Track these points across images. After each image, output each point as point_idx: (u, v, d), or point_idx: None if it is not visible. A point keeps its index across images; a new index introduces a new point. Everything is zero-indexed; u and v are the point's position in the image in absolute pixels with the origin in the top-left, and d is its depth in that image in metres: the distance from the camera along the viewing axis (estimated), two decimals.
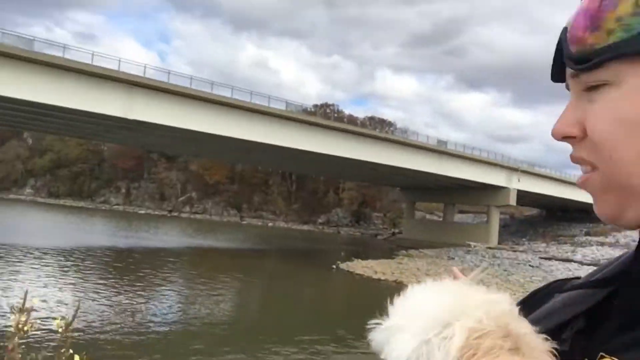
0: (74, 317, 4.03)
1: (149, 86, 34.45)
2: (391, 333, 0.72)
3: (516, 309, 0.74)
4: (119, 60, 34.57)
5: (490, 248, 52.22)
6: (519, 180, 60.53)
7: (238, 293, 24.16)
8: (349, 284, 30.39)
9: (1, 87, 29.14)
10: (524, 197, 65.38)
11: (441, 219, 71.88)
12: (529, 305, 0.89)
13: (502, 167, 59.34)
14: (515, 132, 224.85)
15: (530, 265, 41.24)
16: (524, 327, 0.69)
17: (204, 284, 24.25)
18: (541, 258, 45.55)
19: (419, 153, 50.69)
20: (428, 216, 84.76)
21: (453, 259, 44.79)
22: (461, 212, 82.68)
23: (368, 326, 0.73)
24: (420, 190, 67.59)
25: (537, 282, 32.72)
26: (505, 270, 37.79)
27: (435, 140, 56.55)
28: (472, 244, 53.62)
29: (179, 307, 18.98)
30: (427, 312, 0.70)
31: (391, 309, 0.75)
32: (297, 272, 33.62)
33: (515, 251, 51.34)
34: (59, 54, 32.20)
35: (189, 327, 15.81)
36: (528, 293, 0.98)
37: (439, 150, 53.06)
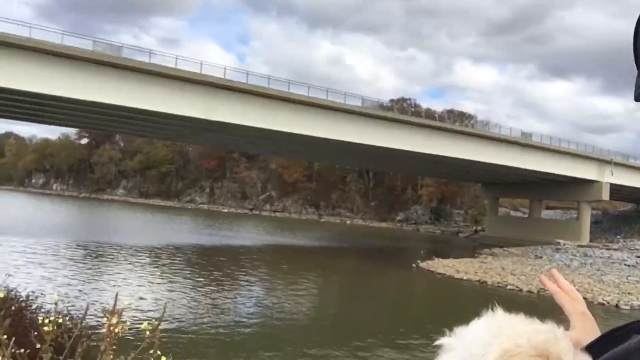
0: (161, 319, 4.08)
1: (229, 87, 35.38)
2: (442, 351, 0.82)
3: (566, 342, 0.76)
4: (201, 63, 35.79)
5: (581, 246, 49.32)
6: (612, 174, 56.70)
7: (318, 291, 24.27)
8: (429, 284, 29.73)
9: (93, 93, 31.01)
10: (618, 191, 61.17)
11: (527, 216, 68.80)
12: (606, 342, 0.85)
13: (592, 159, 55.85)
14: (606, 122, 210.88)
15: (626, 265, 38.53)
16: (569, 356, 0.73)
17: (285, 282, 24.59)
18: (638, 257, 42.43)
19: (501, 146, 48.72)
20: (513, 213, 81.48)
21: (541, 257, 42.73)
22: (549, 208, 78.80)
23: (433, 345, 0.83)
24: (504, 185, 65.00)
25: (634, 282, 30.49)
26: (598, 270, 35.53)
27: (519, 132, 54.11)
28: (561, 241, 50.84)
29: (261, 304, 19.31)
30: (475, 334, 0.80)
31: (453, 334, 0.83)
32: (376, 270, 33.34)
33: (609, 249, 48.17)
34: (145, 59, 33.80)
35: (271, 325, 16.02)
36: (607, 330, 0.92)
37: (523, 143, 50.72)
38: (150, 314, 14.99)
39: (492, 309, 0.83)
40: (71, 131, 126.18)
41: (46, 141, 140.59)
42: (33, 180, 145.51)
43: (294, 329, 15.77)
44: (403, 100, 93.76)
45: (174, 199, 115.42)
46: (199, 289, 20.69)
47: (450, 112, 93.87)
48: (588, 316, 1.03)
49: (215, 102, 34.75)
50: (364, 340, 14.43)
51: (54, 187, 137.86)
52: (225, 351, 12.48)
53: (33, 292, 5.10)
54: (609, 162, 56.70)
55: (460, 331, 0.84)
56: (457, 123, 71.84)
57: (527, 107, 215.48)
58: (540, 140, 53.63)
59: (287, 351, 12.81)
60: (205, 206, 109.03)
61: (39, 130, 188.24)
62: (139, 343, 3.92)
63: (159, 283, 21.43)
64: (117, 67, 31.45)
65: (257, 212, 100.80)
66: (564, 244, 49.59)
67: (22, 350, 3.64)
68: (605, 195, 56.71)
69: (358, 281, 28.43)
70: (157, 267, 26.07)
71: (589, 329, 1.00)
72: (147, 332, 3.78)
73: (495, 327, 0.80)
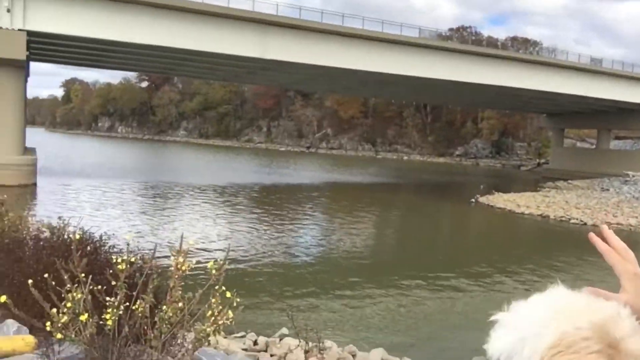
0: (226, 259, 4.25)
1: (282, 24, 34.87)
2: (496, 327, 0.79)
3: (630, 322, 0.72)
4: (253, 0, 35.31)
5: None
6: None
7: (376, 228, 24.52)
8: (489, 218, 29.36)
9: (149, 37, 31.43)
10: None
11: (594, 147, 65.72)
12: None
13: None
14: None
15: None
16: (630, 339, 0.70)
17: (343, 218, 24.94)
18: None
19: (569, 74, 46.05)
20: (579, 144, 78.02)
21: (607, 190, 41.12)
22: (617, 138, 74.77)
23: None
24: (570, 115, 61.92)
25: None
26: None
27: (588, 58, 50.83)
28: (631, 173, 48.47)
29: (320, 241, 19.76)
30: (532, 312, 0.76)
31: (509, 309, 0.80)
32: (434, 206, 33.19)
33: None
34: None
35: (330, 261, 16.43)
36: None
37: (593, 70, 47.74)
38: (214, 252, 15.67)
39: (555, 284, 0.81)
40: (131, 75, 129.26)
41: (109, 86, 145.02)
42: (99, 124, 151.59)
43: (353, 265, 16.12)
44: (463, 28, 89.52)
45: (233, 139, 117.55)
46: (259, 226, 21.34)
47: (514, 39, 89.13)
48: None
49: (269, 40, 34.42)
50: (420, 274, 14.59)
51: (119, 130, 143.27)
52: (285, 286, 12.95)
53: (106, 232, 5.40)
54: None
55: (517, 306, 0.80)
56: (520, 51, 68.22)
57: (597, 30, 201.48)
58: (612, 66, 50.30)
59: (345, 285, 13.15)
60: (263, 145, 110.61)
61: (101, 76, 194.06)
62: (204, 280, 4.11)
63: (222, 221, 22.24)
64: (171, 9, 31.56)
65: (313, 150, 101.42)
66: (633, 176, 47.28)
67: (99, 286, 3.90)
68: None
69: (416, 217, 28.45)
70: (220, 206, 26.99)
71: None
72: (213, 271, 3.95)
73: (554, 305, 0.76)
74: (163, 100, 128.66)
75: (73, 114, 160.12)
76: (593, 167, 52.97)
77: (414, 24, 52.18)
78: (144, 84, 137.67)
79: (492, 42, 69.51)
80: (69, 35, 30.35)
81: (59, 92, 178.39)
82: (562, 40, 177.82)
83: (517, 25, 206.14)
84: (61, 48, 36.54)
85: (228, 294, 4.02)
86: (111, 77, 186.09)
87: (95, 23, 29.76)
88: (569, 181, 47.48)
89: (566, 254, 17.75)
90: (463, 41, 55.66)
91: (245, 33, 33.75)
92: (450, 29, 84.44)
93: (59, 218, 5.28)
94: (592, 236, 0.99)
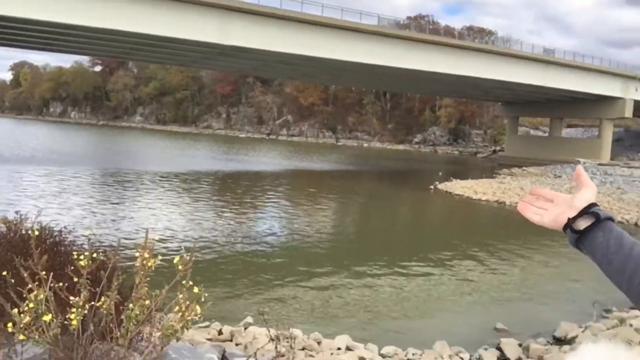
0: (192, 254, 4.18)
1: (243, 10, 34.34)
2: None
3: None
4: None
5: (601, 164, 48.89)
6: (636, 90, 55.11)
7: (338, 215, 24.67)
8: (447, 205, 29.99)
9: (105, 20, 30.42)
10: None
11: (547, 135, 67.87)
12: None
13: (616, 75, 54.09)
14: (631, 35, 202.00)
15: None
16: None
17: (305, 206, 24.99)
18: None
19: (523, 64, 47.24)
20: (532, 132, 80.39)
21: (560, 177, 42.60)
22: (569, 126, 77.43)
23: None
24: (525, 104, 63.69)
25: None
26: (618, 189, 35.40)
27: (541, 49, 52.26)
28: (582, 160, 50.30)
29: (282, 229, 19.75)
30: None
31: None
32: (394, 193, 33.64)
33: (630, 167, 47.69)
34: None
35: (293, 249, 16.46)
36: None
37: (546, 60, 49.10)
38: (178, 243, 15.47)
39: (610, 339, 0.81)
40: (84, 59, 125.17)
41: (60, 69, 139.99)
42: (51, 109, 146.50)
43: (315, 253, 16.20)
44: (420, 17, 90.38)
45: (191, 125, 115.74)
46: (222, 215, 21.16)
47: (470, 28, 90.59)
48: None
49: (229, 25, 33.89)
50: (383, 260, 14.81)
51: (71, 116, 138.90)
52: (248, 275, 12.92)
53: (66, 226, 5.23)
54: (633, 78, 55.00)
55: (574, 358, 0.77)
56: (476, 40, 69.49)
57: (550, 21, 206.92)
58: (564, 56, 51.87)
59: (308, 273, 13.22)
60: (222, 131, 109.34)
61: (52, 59, 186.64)
62: (170, 274, 4.05)
63: (184, 210, 21.93)
64: None
65: (274, 137, 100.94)
66: (584, 163, 49.12)
67: (61, 284, 3.78)
68: (629, 112, 55.46)
69: (377, 204, 28.77)
70: (181, 194, 26.60)
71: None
72: (180, 267, 3.89)
73: None
74: (118, 85, 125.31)
75: (22, 98, 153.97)
76: (546, 155, 54.76)
77: (373, 12, 52.22)
78: (97, 68, 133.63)
79: (449, 32, 70.39)
80: (14, 17, 28.99)
81: (7, 76, 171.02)
82: (516, 30, 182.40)
83: (472, 15, 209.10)
84: (9, 31, 34.96)
85: (196, 289, 3.98)
86: (62, 60, 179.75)
87: (46, 5, 28.54)
88: (524, 168, 48.91)
89: (522, 239, 18.33)
90: (421, 30, 56.09)
91: (205, 18, 33.11)
92: (409, 18, 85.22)
93: (16, 212, 5.08)
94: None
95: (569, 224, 1.22)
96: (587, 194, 1.24)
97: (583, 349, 0.78)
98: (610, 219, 1.20)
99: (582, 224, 1.20)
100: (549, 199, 1.29)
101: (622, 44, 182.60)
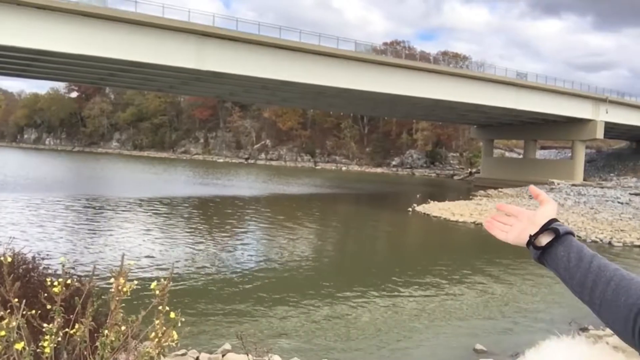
0: (170, 279, 4.15)
1: (220, 35, 34.58)
2: None
3: None
4: (189, 11, 34.80)
5: (575, 185, 49.87)
6: (607, 112, 56.63)
7: (317, 238, 24.61)
8: (426, 227, 30.17)
9: (81, 46, 30.28)
10: (613, 130, 61.40)
11: (521, 156, 69.13)
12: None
13: (587, 98, 55.59)
14: (598, 59, 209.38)
15: (619, 202, 39.11)
16: None
17: (284, 230, 24.88)
18: (631, 194, 43.03)
19: (496, 87, 48.33)
20: (507, 154, 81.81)
21: None
22: (543, 148, 79.06)
23: None
24: (499, 126, 64.92)
25: (627, 220, 31.03)
26: (592, 208, 36.07)
27: (514, 73, 53.54)
28: (556, 181, 51.34)
29: (260, 253, 19.62)
30: None
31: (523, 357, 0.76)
32: (373, 215, 33.74)
33: (602, 187, 48.78)
34: (130, 8, 32.83)
35: (271, 273, 16.33)
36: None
37: (519, 84, 50.31)
38: (155, 269, 15.25)
39: (573, 335, 0.78)
40: (60, 85, 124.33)
41: (36, 96, 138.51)
42: (25, 136, 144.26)
43: (293, 278, 16.10)
44: (397, 42, 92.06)
45: (169, 150, 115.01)
46: (200, 241, 20.95)
47: (445, 53, 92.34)
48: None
49: (206, 51, 34.06)
50: (362, 282, 14.78)
51: (46, 142, 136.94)
52: (229, 301, 12.77)
53: (39, 253, 5.15)
54: (604, 101, 56.52)
55: (534, 355, 0.76)
56: (451, 65, 70.80)
57: (519, 46, 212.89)
58: (536, 80, 53.17)
59: (289, 297, 13.12)
60: (200, 156, 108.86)
61: (27, 85, 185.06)
62: (147, 299, 4.00)
63: (160, 236, 21.65)
64: (104, 18, 30.60)
65: (252, 161, 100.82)
66: (558, 184, 50.09)
67: (33, 311, 3.71)
68: (600, 133, 56.87)
69: (355, 226, 28.81)
70: (157, 220, 26.28)
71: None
72: (157, 292, 3.85)
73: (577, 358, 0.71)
74: (94, 111, 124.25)
75: None
76: (521, 176, 55.65)
77: (350, 38, 53.07)
78: (74, 94, 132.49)
79: (424, 57, 71.73)
80: None
81: None
82: (488, 55, 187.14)
83: (445, 41, 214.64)
84: None
85: (172, 315, 3.94)
86: (38, 87, 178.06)
87: (21, 31, 28.35)
88: (499, 189, 49.61)
89: (499, 260, 18.49)
90: (397, 55, 57.09)
91: (182, 44, 33.23)
92: (385, 43, 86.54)
93: None
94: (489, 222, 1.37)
95: (531, 241, 1.26)
96: (547, 210, 1.28)
97: (544, 346, 0.76)
98: (570, 233, 1.24)
99: (544, 240, 1.24)
100: (513, 215, 1.33)
101: (589, 68, 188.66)
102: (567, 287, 1.20)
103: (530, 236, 1.26)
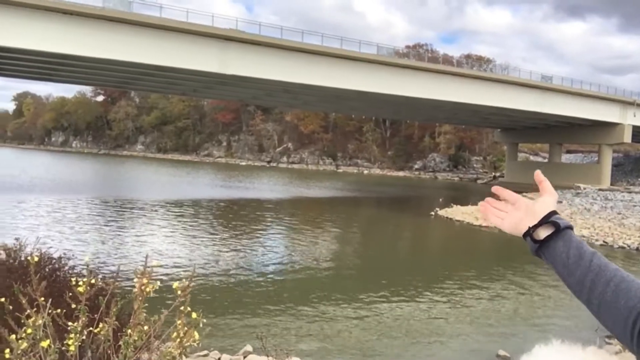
0: (191, 279, 4.19)
1: (243, 40, 34.88)
2: None
3: None
4: (212, 16, 35.20)
5: (601, 190, 48.89)
6: (634, 115, 55.50)
7: (339, 242, 24.57)
8: (448, 231, 29.89)
9: (106, 50, 30.86)
10: None
11: (547, 160, 68.08)
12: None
13: (614, 101, 54.56)
14: (624, 62, 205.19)
15: None
16: None
17: (306, 233, 24.92)
18: None
19: (521, 91, 47.72)
20: (532, 157, 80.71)
21: (561, 202, 42.48)
22: (569, 152, 77.84)
23: None
24: (523, 130, 64.09)
25: None
26: (619, 214, 35.29)
27: (539, 76, 52.80)
28: (582, 185, 50.41)
29: (282, 255, 19.66)
30: None
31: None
32: (395, 219, 33.56)
33: (630, 192, 47.68)
34: (155, 14, 33.35)
35: (293, 275, 16.36)
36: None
37: (544, 87, 49.61)
38: (178, 269, 15.41)
39: (554, 342, 0.75)
40: (87, 89, 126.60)
41: (63, 99, 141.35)
42: (53, 139, 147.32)
43: (316, 280, 16.09)
44: (419, 46, 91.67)
45: (192, 154, 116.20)
46: (223, 243, 21.10)
47: (468, 57, 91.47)
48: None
49: (229, 55, 34.37)
50: (384, 286, 14.70)
51: (73, 145, 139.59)
52: (248, 302, 12.82)
53: (65, 253, 5.24)
54: (631, 104, 55.43)
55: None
56: (475, 68, 70.22)
57: (543, 49, 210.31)
58: (561, 83, 52.40)
59: (310, 299, 13.12)
60: (223, 159, 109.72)
61: (55, 89, 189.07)
62: (169, 300, 4.05)
63: (184, 238, 21.87)
64: (129, 23, 31.14)
65: (274, 165, 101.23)
66: (585, 188, 49.18)
67: (59, 310, 3.78)
68: (628, 137, 55.75)
69: (377, 231, 28.69)
70: (180, 222, 26.55)
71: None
72: (179, 292, 3.89)
73: None
74: (119, 115, 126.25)
75: (25, 128, 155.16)
76: None
77: (371, 41, 53.00)
78: (100, 98, 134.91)
79: (448, 60, 71.25)
80: (19, 48, 29.46)
81: (10, 106, 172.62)
82: (510, 58, 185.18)
83: (467, 44, 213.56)
84: (12, 61, 35.48)
85: (194, 315, 3.97)
86: (65, 90, 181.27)
87: (48, 36, 29.03)
88: (524, 194, 47.92)
89: (524, 265, 18.23)
90: (419, 58, 56.80)
91: (205, 48, 33.60)
92: (407, 46, 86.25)
93: (16, 239, 5.10)
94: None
95: (529, 233, 1.22)
96: (547, 201, 1.24)
97: (537, 352, 0.75)
98: (570, 227, 1.20)
99: (543, 233, 1.20)
100: (510, 202, 1.30)
101: (615, 71, 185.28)
102: (564, 284, 1.16)
103: (529, 228, 1.22)
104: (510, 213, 1.28)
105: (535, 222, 1.21)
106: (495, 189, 1.34)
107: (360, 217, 34.42)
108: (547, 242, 1.19)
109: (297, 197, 45.49)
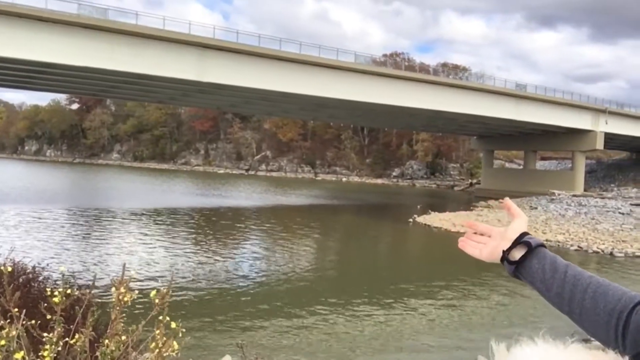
0: (170, 287, 4.14)
1: (220, 47, 34.74)
2: None
3: None
4: (189, 24, 34.97)
5: (575, 196, 49.81)
6: (606, 123, 56.73)
7: (318, 249, 24.56)
8: (427, 238, 30.10)
9: (83, 58, 30.43)
10: (612, 140, 61.42)
11: (522, 167, 69.14)
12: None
13: (587, 109, 55.71)
14: (595, 70, 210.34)
15: (620, 213, 39.03)
16: None
17: (285, 241, 24.84)
18: (632, 205, 42.95)
19: (496, 99, 48.43)
20: (507, 165, 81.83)
21: (536, 208, 43.18)
22: (543, 158, 79.16)
23: None
24: (499, 137, 65.01)
25: (628, 230, 30.97)
26: (592, 219, 36.00)
27: (514, 84, 53.66)
28: (556, 192, 51.28)
29: (262, 263, 19.56)
30: None
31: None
32: (374, 227, 33.68)
33: (603, 198, 48.69)
34: (131, 21, 33.01)
35: (271, 285, 16.28)
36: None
37: (519, 95, 50.44)
38: (156, 279, 15.21)
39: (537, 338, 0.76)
40: (61, 97, 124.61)
41: (36, 108, 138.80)
42: (26, 147, 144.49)
43: (295, 289, 16.04)
44: (396, 54, 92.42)
45: (169, 162, 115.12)
46: (200, 251, 20.90)
47: (444, 65, 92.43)
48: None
49: (207, 63, 34.21)
50: (363, 294, 14.72)
51: (47, 154, 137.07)
52: (230, 311, 12.71)
53: (39, 263, 5.13)
54: (603, 111, 56.64)
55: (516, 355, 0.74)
56: (451, 76, 71.14)
57: (516, 58, 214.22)
58: (535, 91, 53.33)
59: (289, 309, 13.06)
60: (201, 168, 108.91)
61: (28, 97, 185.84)
62: (148, 309, 3.98)
63: (162, 247, 21.61)
64: (105, 31, 30.78)
65: (253, 173, 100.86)
66: (559, 194, 50.05)
67: (33, 321, 3.69)
68: (600, 144, 56.92)
69: (356, 237, 28.74)
70: (157, 231, 26.24)
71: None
72: (156, 300, 3.84)
73: None
74: (95, 123, 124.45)
75: None
76: (521, 187, 55.65)
77: (349, 50, 53.36)
78: (75, 106, 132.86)
79: (424, 68, 72.07)
80: None
81: None
82: (485, 67, 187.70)
83: (442, 53, 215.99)
84: None
85: (173, 324, 3.91)
86: (39, 98, 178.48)
87: (22, 43, 28.52)
88: (500, 200, 49.34)
89: (501, 270, 18.41)
90: (396, 66, 57.29)
91: (183, 56, 33.39)
92: (384, 55, 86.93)
93: None
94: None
95: (505, 256, 1.26)
96: (518, 225, 1.28)
97: (516, 352, 0.75)
98: (542, 245, 1.24)
99: (517, 254, 1.24)
100: (486, 234, 1.34)
101: (587, 79, 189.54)
102: (545, 300, 1.19)
103: (504, 251, 1.26)
104: (487, 243, 1.32)
105: (509, 245, 1.25)
106: (469, 224, 1.38)
107: (338, 224, 34.45)
108: (523, 262, 1.23)
109: (275, 205, 45.36)
